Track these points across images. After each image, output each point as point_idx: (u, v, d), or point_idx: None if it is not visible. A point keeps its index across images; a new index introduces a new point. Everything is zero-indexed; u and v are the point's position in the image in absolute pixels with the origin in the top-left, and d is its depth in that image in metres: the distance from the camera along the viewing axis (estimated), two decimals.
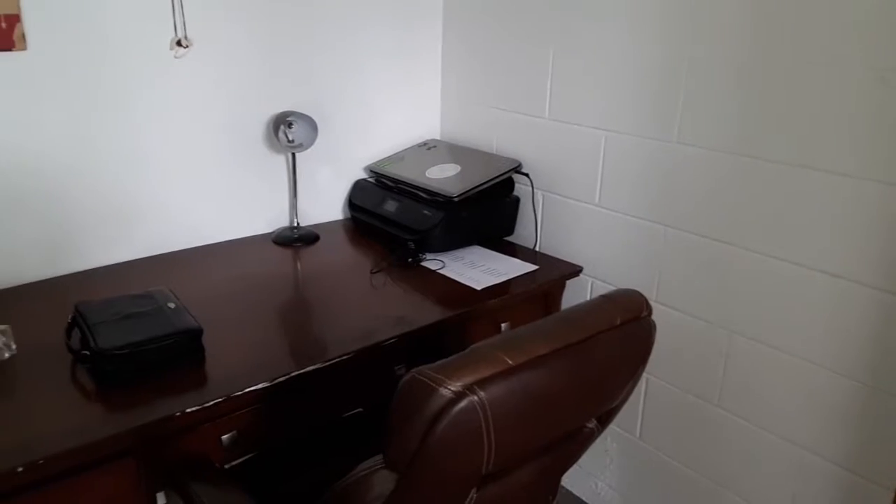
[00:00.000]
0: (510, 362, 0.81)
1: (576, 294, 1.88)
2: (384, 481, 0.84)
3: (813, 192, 1.38)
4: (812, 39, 1.32)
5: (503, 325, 1.66)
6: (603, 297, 1.00)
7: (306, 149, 1.88)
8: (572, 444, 1.04)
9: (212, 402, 1.16)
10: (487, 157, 2.02)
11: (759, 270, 1.50)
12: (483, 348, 0.83)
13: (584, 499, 2.05)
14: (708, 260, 1.59)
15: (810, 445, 1.49)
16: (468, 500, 0.88)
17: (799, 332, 1.46)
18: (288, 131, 1.82)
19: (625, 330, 0.95)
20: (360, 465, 0.88)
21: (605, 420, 1.08)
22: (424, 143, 2.21)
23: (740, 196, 1.50)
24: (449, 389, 0.77)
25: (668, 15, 1.55)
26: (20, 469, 0.99)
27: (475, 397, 0.78)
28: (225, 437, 1.23)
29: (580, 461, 1.99)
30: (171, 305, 1.34)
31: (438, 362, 0.81)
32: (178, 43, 1.69)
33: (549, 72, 1.85)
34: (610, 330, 0.93)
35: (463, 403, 0.77)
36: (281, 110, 1.88)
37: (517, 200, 1.98)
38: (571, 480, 2.07)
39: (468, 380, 0.78)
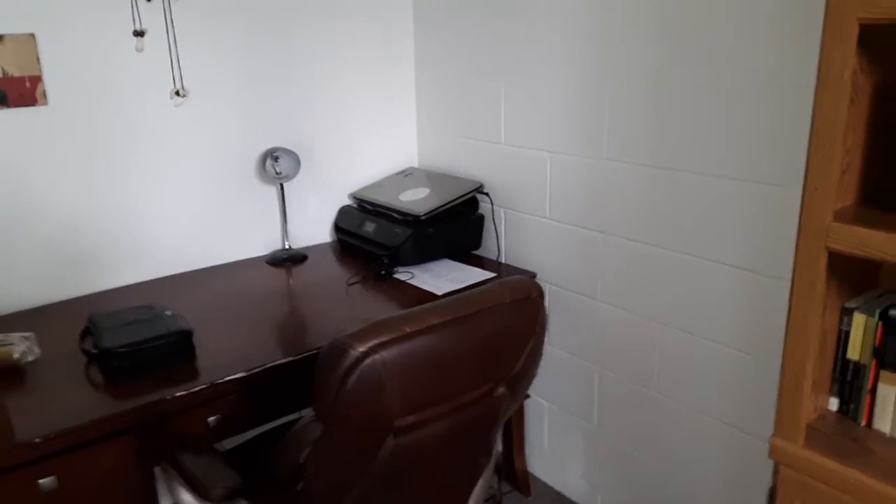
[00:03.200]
0: (407, 329, 1.03)
1: None
2: (315, 430, 1.05)
3: (710, 195, 1.59)
4: (703, 65, 1.54)
5: None
6: (500, 281, 1.22)
7: (291, 179, 2.14)
8: (485, 406, 1.24)
9: (198, 388, 1.39)
10: (455, 180, 2.25)
11: (676, 266, 1.70)
12: (387, 319, 1.05)
13: (555, 487, 2.23)
14: (639, 261, 1.79)
15: (728, 419, 1.68)
16: (385, 445, 1.09)
17: (707, 318, 1.66)
18: (275, 164, 2.07)
19: (514, 307, 1.16)
20: (299, 420, 1.10)
21: (514, 387, 1.28)
22: (403, 171, 2.45)
23: (659, 203, 1.71)
24: (357, 350, 1.00)
25: (592, 54, 1.79)
26: (37, 440, 1.23)
27: (378, 356, 1.00)
28: (211, 419, 1.46)
29: (550, 452, 2.18)
30: (168, 313, 1.59)
31: (351, 331, 1.03)
32: (177, 93, 1.96)
33: (501, 103, 2.09)
34: (499, 306, 1.14)
35: (367, 361, 0.99)
36: (270, 146, 2.14)
37: (481, 217, 2.21)
38: (543, 471, 2.26)
39: (372, 342, 1.01)
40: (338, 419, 1.03)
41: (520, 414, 2.17)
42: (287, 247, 2.22)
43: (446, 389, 1.13)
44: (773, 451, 1.25)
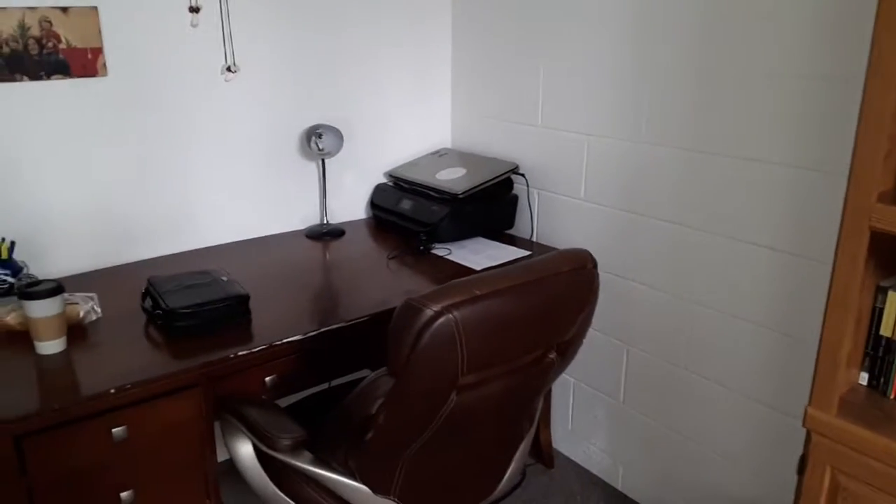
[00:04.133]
0: (477, 292, 1.10)
1: None
2: (386, 384, 1.13)
3: (750, 178, 1.65)
4: (745, 50, 1.61)
5: None
6: (558, 252, 1.29)
7: (333, 156, 2.20)
8: (537, 370, 1.32)
9: (258, 349, 1.47)
10: (490, 160, 2.32)
11: (711, 247, 1.77)
12: (458, 282, 1.13)
13: (578, 461, 2.31)
14: (672, 242, 1.86)
15: (758, 396, 1.75)
16: (449, 401, 1.16)
17: (739, 297, 1.73)
18: (318, 141, 2.14)
19: (571, 275, 1.23)
20: (369, 375, 1.17)
21: (563, 352, 1.35)
22: (437, 152, 2.52)
23: (694, 185, 1.78)
24: (431, 310, 1.07)
25: (634, 35, 1.84)
26: (112, 391, 1.30)
27: (451, 315, 1.07)
28: (268, 378, 1.53)
29: (574, 427, 2.25)
30: (224, 278, 1.66)
31: (425, 292, 1.10)
32: (228, 69, 2.03)
33: (539, 85, 2.15)
34: (559, 274, 1.21)
35: (442, 319, 1.07)
36: (312, 123, 2.21)
37: (515, 197, 2.27)
38: (566, 445, 2.34)
39: (445, 303, 1.08)
40: (409, 374, 1.10)
41: None
42: (326, 221, 2.28)
43: (506, 351, 1.21)
44: (807, 420, 1.32)
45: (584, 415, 2.26)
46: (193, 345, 1.47)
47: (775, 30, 1.55)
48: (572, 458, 2.33)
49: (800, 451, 1.69)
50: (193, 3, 1.92)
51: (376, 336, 1.71)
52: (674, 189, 1.83)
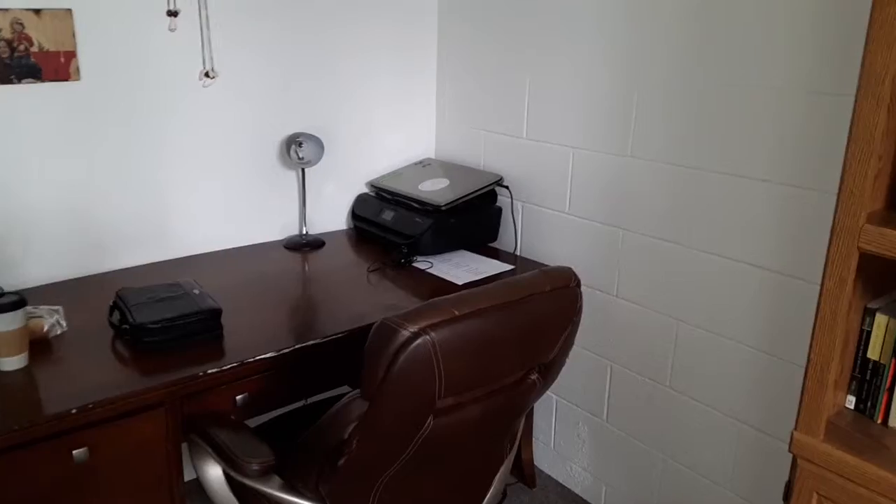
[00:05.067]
0: (456, 312, 1.06)
1: None
2: (360, 408, 1.08)
3: (738, 195, 1.63)
4: (735, 69, 1.58)
5: None
6: (540, 270, 1.25)
7: (314, 165, 2.15)
8: (518, 392, 1.27)
9: (228, 367, 1.41)
10: (474, 172, 2.28)
11: (697, 264, 1.74)
12: (437, 301, 1.08)
13: (560, 480, 2.27)
14: (657, 258, 1.83)
15: (744, 417, 1.72)
16: (426, 425, 1.11)
17: (726, 316, 1.70)
18: (298, 149, 2.09)
19: (554, 294, 1.19)
20: (343, 398, 1.12)
21: (545, 373, 1.31)
22: (420, 162, 2.48)
23: (681, 200, 1.75)
24: (408, 330, 1.02)
25: (622, 48, 1.82)
26: (73, 410, 1.24)
27: (428, 336, 1.03)
28: (239, 397, 1.48)
29: (556, 446, 2.21)
30: (196, 291, 1.60)
31: (401, 312, 1.06)
32: (206, 74, 1.97)
33: (525, 97, 2.12)
34: (541, 294, 1.17)
35: (418, 341, 1.02)
36: (291, 131, 2.16)
37: (499, 210, 2.24)
38: (548, 464, 2.29)
39: (423, 324, 1.03)
40: (384, 398, 1.05)
41: None
42: (305, 232, 2.23)
43: (486, 374, 1.16)
44: (793, 445, 1.29)
45: (567, 433, 2.21)
46: (161, 361, 1.41)
47: (767, 44, 1.52)
48: (554, 476, 2.29)
49: (786, 475, 1.66)
50: (172, 7, 1.87)
51: (354, 352, 1.67)
52: (660, 205, 1.80)
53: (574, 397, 2.17)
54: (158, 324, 1.45)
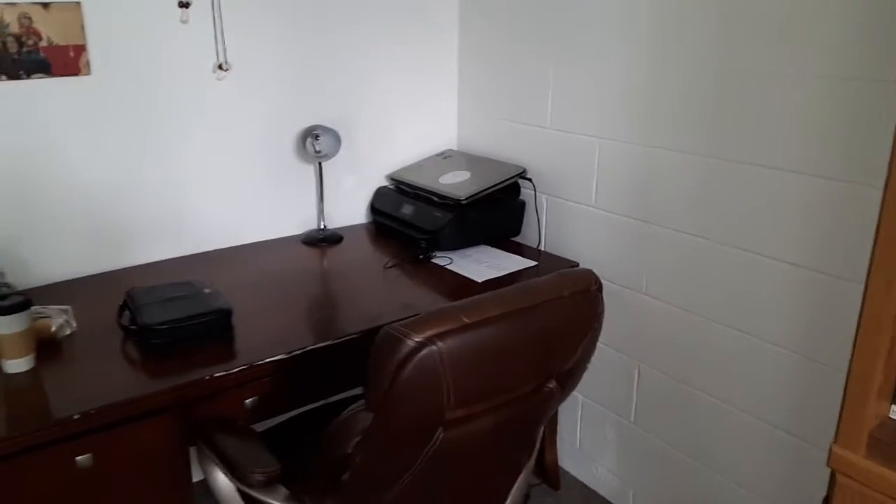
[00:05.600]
0: (466, 320, 0.99)
1: None
2: (364, 420, 1.02)
3: (773, 189, 1.52)
4: (769, 55, 1.47)
5: None
6: (559, 273, 1.17)
7: (331, 158, 2.10)
8: (534, 401, 1.20)
9: (236, 369, 1.37)
10: (496, 164, 2.20)
11: (727, 261, 1.64)
12: (446, 308, 1.01)
13: (585, 482, 2.19)
14: (687, 254, 1.74)
15: (778, 422, 1.62)
16: (435, 437, 1.05)
17: (760, 316, 1.60)
18: (315, 143, 2.04)
19: (573, 299, 1.11)
20: (346, 409, 1.06)
21: (564, 382, 1.24)
22: (442, 153, 2.40)
23: (712, 194, 1.65)
24: (413, 340, 0.96)
25: (649, 34, 1.72)
26: (76, 416, 1.21)
27: (434, 346, 0.96)
28: (248, 401, 1.43)
29: (582, 446, 2.14)
30: (207, 290, 1.56)
31: (407, 319, 0.99)
32: (220, 66, 1.93)
33: (549, 85, 2.03)
34: (559, 299, 1.10)
35: (424, 351, 0.95)
36: (309, 124, 2.10)
37: (523, 203, 2.16)
38: (574, 465, 2.22)
39: (430, 332, 0.97)
40: (389, 410, 0.99)
41: None
42: (323, 227, 2.18)
43: (500, 383, 1.10)
44: (832, 459, 1.20)
45: (592, 433, 2.14)
46: (169, 364, 1.37)
47: (805, 27, 1.41)
48: (580, 478, 2.22)
49: (821, 482, 1.56)
50: None
51: (367, 353, 1.62)
52: (690, 198, 1.70)
53: (600, 397, 2.09)
54: (166, 325, 1.42)
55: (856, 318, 1.44)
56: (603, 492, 2.15)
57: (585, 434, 2.17)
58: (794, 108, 1.46)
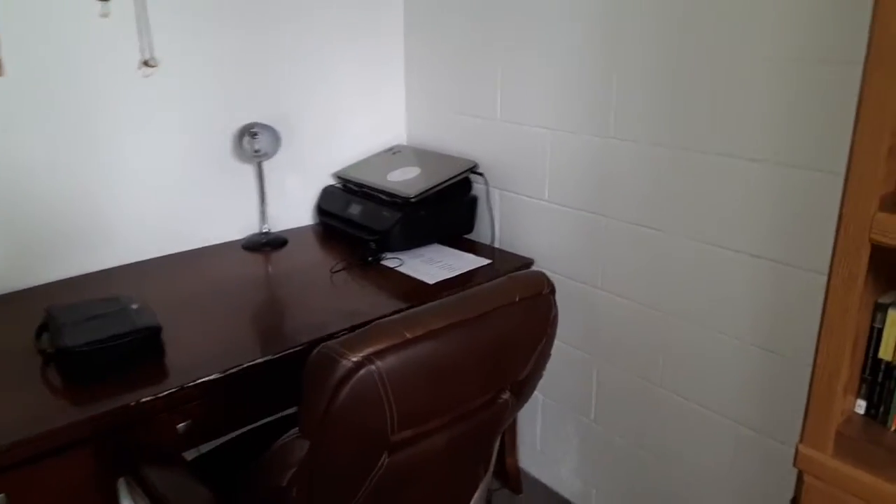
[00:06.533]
0: (407, 335, 0.90)
1: None
2: (300, 449, 0.93)
3: (731, 178, 1.47)
4: (723, 40, 1.42)
5: None
6: (508, 276, 1.10)
7: (270, 157, 1.98)
8: (488, 414, 1.13)
9: (165, 393, 1.26)
10: (447, 159, 2.12)
11: (687, 254, 1.59)
12: (384, 323, 0.93)
13: (547, 484, 2.14)
14: (646, 247, 1.68)
15: (737, 416, 1.58)
16: (380, 463, 0.97)
17: (723, 310, 1.55)
18: (252, 141, 1.92)
19: (524, 305, 1.04)
20: (281, 437, 0.97)
21: (519, 392, 1.16)
22: (391, 149, 2.31)
23: (669, 185, 1.59)
24: (350, 360, 0.87)
25: (602, 23, 1.65)
26: None
27: (373, 366, 0.87)
28: (181, 425, 1.32)
29: (542, 447, 2.08)
30: (135, 306, 1.44)
31: (342, 337, 0.90)
32: (146, 63, 1.80)
33: (498, 76, 1.95)
34: (509, 305, 1.02)
35: (361, 372, 0.87)
36: (247, 122, 1.98)
37: (475, 199, 2.08)
38: (535, 467, 2.16)
39: (367, 351, 0.88)
40: (327, 437, 0.90)
41: None
42: (265, 230, 2.07)
43: (448, 400, 1.02)
44: (798, 459, 1.15)
45: (553, 434, 2.08)
46: (93, 390, 1.26)
47: (758, 11, 1.36)
48: (542, 480, 2.16)
49: (788, 478, 1.53)
50: None
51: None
52: (647, 190, 1.64)
53: (560, 396, 2.03)
54: (88, 346, 1.30)
55: (816, 308, 1.41)
56: (566, 493, 2.09)
57: (546, 435, 2.11)
58: (750, 95, 1.41)
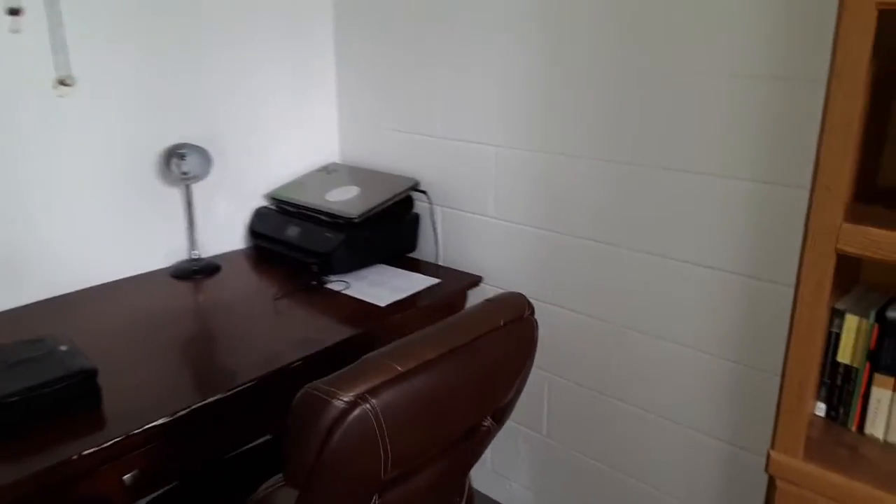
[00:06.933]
0: (400, 369, 0.85)
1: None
2: (285, 499, 0.85)
3: (682, 192, 1.50)
4: (671, 52, 1.45)
5: None
6: (487, 300, 1.06)
7: (201, 179, 1.87)
8: (470, 443, 1.09)
9: (109, 443, 1.14)
10: (386, 177, 2.07)
11: (641, 268, 1.61)
12: (373, 357, 0.87)
13: (499, 501, 2.11)
14: (596, 262, 1.69)
15: (697, 425, 1.61)
16: None
17: (679, 322, 1.57)
18: (180, 163, 1.80)
19: (508, 329, 1.01)
20: (261, 486, 0.89)
21: (499, 417, 1.13)
22: (325, 168, 2.23)
23: (619, 200, 1.61)
24: (342, 400, 0.81)
25: (544, 34, 1.65)
26: None
27: (367, 405, 0.81)
28: (127, 476, 1.21)
29: (493, 464, 2.05)
30: (64, 348, 1.31)
31: (330, 375, 0.84)
32: (62, 82, 1.65)
33: (438, 92, 1.92)
34: (494, 331, 0.98)
35: (356, 412, 0.80)
36: (173, 142, 1.86)
37: (417, 217, 2.04)
38: (485, 484, 2.13)
39: (360, 389, 0.82)
40: (318, 485, 0.83)
41: None
42: (195, 256, 1.95)
43: (438, 433, 0.97)
44: (771, 465, 1.17)
45: (504, 450, 2.05)
46: (26, 445, 1.12)
47: (719, 23, 1.39)
48: (492, 496, 2.13)
49: (751, 484, 1.57)
50: (14, 4, 1.54)
51: (267, 400, 1.43)
52: (596, 205, 1.65)
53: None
54: (15, 396, 1.16)
55: (773, 317, 1.45)
56: None
57: (497, 451, 2.08)
58: (696, 109, 1.44)
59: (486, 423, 1.10)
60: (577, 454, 1.87)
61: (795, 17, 1.29)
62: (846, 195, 1.02)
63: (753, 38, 1.34)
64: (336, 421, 0.80)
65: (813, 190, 1.03)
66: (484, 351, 0.96)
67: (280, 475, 0.88)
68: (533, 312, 1.09)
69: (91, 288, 1.78)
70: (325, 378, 0.84)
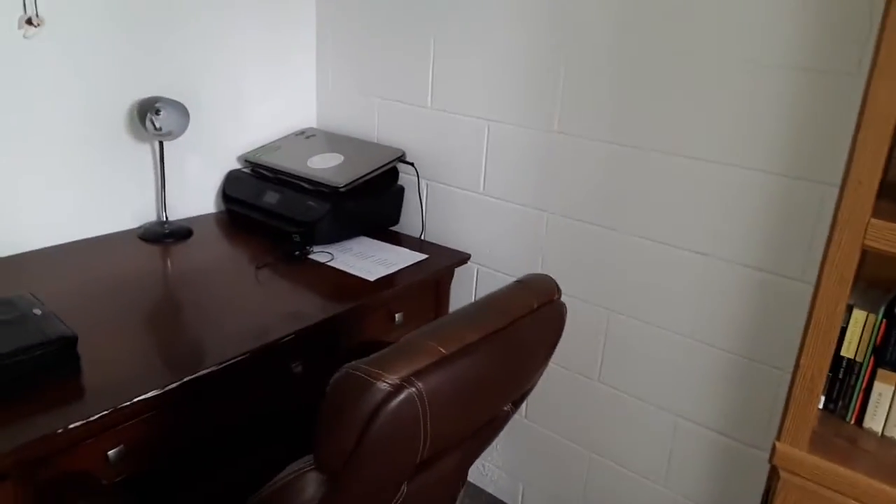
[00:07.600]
0: (443, 351, 0.80)
1: (462, 282, 1.90)
2: (314, 484, 0.80)
3: (682, 177, 1.49)
4: (680, 34, 1.42)
5: (397, 316, 1.65)
6: (518, 282, 1.02)
7: (176, 137, 1.75)
8: (491, 429, 1.05)
9: (97, 416, 1.05)
10: (370, 146, 1.99)
11: (634, 252, 1.60)
12: (416, 339, 0.82)
13: (473, 481, 2.09)
14: (587, 244, 1.67)
15: (682, 411, 1.62)
16: (399, 494, 0.86)
17: (670, 308, 1.57)
18: (155, 118, 1.68)
19: (541, 313, 0.97)
20: (287, 467, 0.83)
21: (518, 402, 1.10)
22: (302, 132, 2.13)
23: (616, 183, 1.59)
24: (387, 383, 0.75)
25: (548, 10, 1.60)
26: None
27: (413, 389, 0.76)
28: (111, 452, 1.12)
29: None
30: (37, 312, 1.20)
31: (371, 356, 0.78)
32: (28, 21, 1.51)
33: (430, 61, 1.85)
34: (529, 314, 0.94)
35: (402, 396, 0.75)
36: (146, 95, 1.74)
37: (402, 190, 1.97)
38: None
39: (405, 371, 0.77)
40: (354, 471, 0.78)
41: None
42: (165, 218, 1.83)
43: (472, 418, 0.92)
44: (776, 456, 1.18)
45: None
46: (4, 416, 1.03)
47: (739, 8, 1.37)
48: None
49: (724, 465, 1.59)
50: None
51: (254, 379, 1.36)
52: (595, 186, 1.63)
53: None
54: None
55: (773, 310, 1.46)
56: (491, 489, 2.06)
57: None
58: (704, 93, 1.42)
59: (506, 408, 1.06)
60: (556, 436, 1.87)
61: (825, 10, 1.28)
62: (876, 192, 1.02)
63: (781, 28, 1.33)
64: (380, 405, 0.74)
65: (844, 183, 1.03)
66: (520, 334, 0.92)
67: (308, 457, 0.82)
68: (561, 295, 1.06)
69: (55, 246, 1.65)
70: (366, 358, 0.78)
